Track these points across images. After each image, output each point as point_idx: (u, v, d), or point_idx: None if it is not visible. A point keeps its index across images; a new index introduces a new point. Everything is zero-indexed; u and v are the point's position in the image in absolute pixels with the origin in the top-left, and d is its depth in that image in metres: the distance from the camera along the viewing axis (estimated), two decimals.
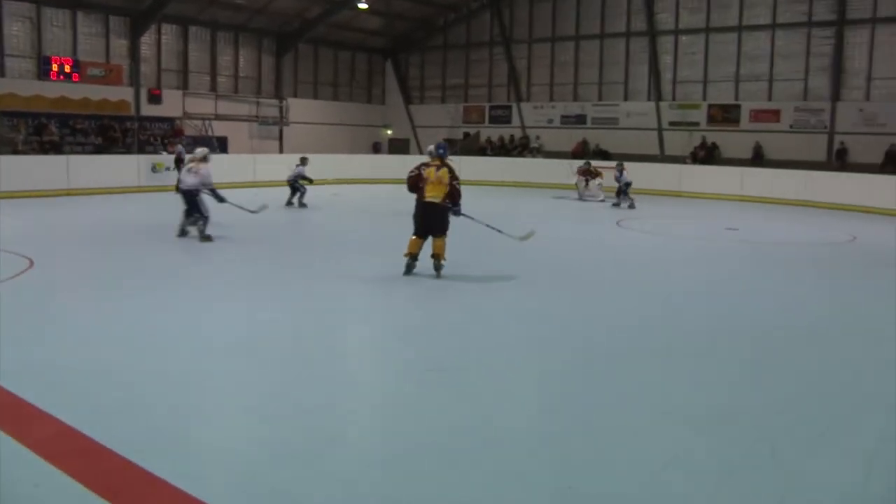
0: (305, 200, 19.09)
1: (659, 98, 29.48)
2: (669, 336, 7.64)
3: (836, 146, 25.88)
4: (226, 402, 5.49)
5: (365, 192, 21.05)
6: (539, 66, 32.69)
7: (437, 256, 9.97)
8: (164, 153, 24.95)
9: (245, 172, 24.99)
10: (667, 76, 29.52)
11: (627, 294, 9.81)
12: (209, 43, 30.17)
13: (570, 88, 31.93)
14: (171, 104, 28.44)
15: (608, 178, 22.61)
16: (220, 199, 13.45)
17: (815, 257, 13.80)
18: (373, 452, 4.71)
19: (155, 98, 27.95)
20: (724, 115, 28.21)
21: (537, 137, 32.07)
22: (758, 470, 4.42)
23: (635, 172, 23.59)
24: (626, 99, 30.51)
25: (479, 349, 7.01)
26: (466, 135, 34.33)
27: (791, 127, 26.80)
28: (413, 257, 10.03)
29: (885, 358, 6.97)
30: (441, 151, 10.46)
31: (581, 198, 23.40)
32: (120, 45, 27.21)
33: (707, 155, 27.66)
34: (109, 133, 25.99)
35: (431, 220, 9.93)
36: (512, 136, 32.97)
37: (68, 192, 20.33)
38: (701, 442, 4.87)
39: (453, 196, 10.00)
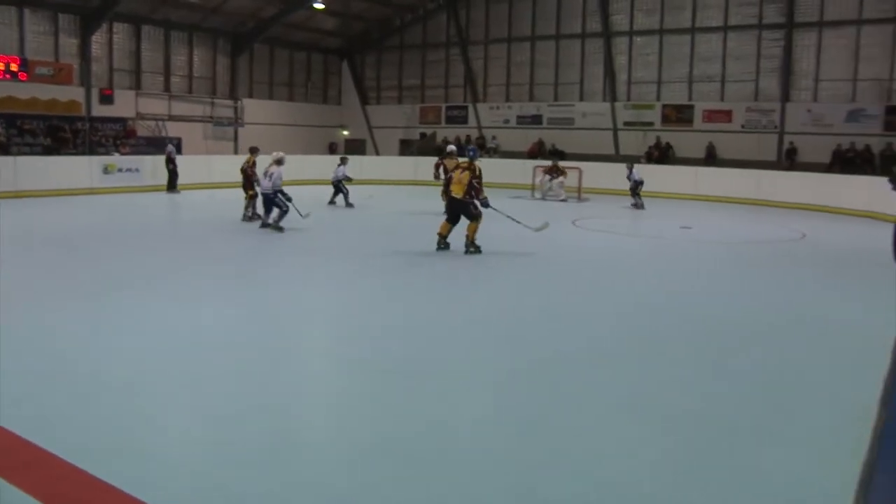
0: (351, 200, 19.55)
1: (614, 98, 29.77)
2: (625, 334, 7.70)
3: (785, 146, 26.39)
4: (177, 404, 5.40)
5: (326, 193, 20.83)
6: (495, 66, 32.81)
7: (467, 237, 12.05)
8: (117, 154, 24.57)
9: (200, 173, 24.67)
10: (622, 77, 29.83)
11: (582, 293, 9.87)
12: (162, 42, 29.75)
13: (527, 89, 32.10)
14: (124, 104, 28.03)
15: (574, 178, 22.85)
16: (287, 200, 14.29)
17: (767, 255, 14.02)
18: (329, 454, 4.67)
19: (107, 98, 27.50)
20: (678, 116, 28.60)
21: (493, 138, 32.19)
22: (714, 464, 4.47)
23: (591, 172, 23.84)
24: (581, 99, 30.75)
25: (437, 350, 6.99)
26: (423, 135, 34.32)
27: (743, 127, 27.26)
28: (442, 237, 12.29)
29: (834, 351, 7.12)
30: (472, 154, 12.75)
31: (543, 197, 23.49)
32: (70, 43, 26.72)
33: (661, 155, 28.01)
34: (59, 134, 25.50)
35: (455, 210, 12.23)
36: (468, 136, 33.01)
37: (17, 195, 19.87)
38: (658, 439, 4.91)
39: (471, 192, 11.92)
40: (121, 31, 28.38)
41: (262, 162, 15.60)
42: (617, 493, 4.09)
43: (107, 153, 24.88)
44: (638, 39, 29.39)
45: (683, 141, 27.98)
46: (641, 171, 21.42)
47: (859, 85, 25.36)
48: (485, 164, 21.63)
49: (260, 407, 5.28)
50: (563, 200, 22.65)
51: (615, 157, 28.70)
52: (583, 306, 9.00)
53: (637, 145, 28.76)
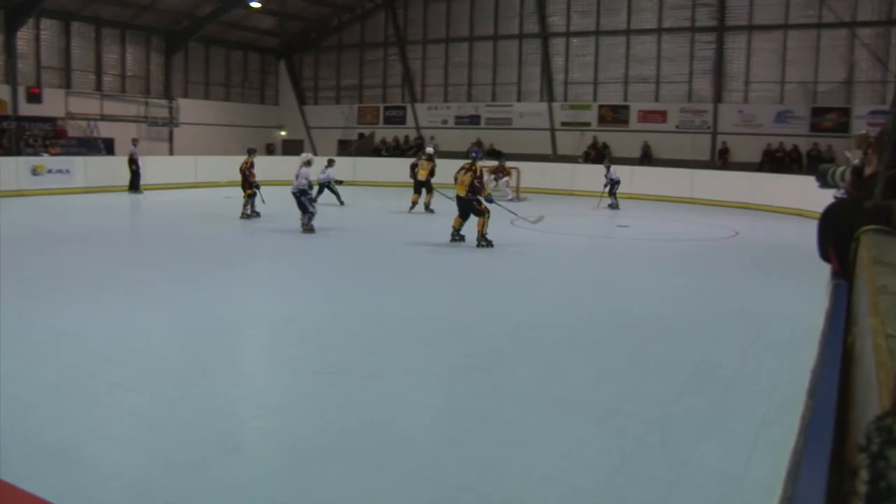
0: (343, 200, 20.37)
1: (551, 99, 30.05)
2: (563, 332, 7.76)
3: (718, 146, 26.99)
4: (112, 413, 5.25)
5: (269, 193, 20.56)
6: (433, 66, 32.84)
7: (478, 231, 13.31)
8: (46, 155, 23.87)
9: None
10: (558, 77, 30.13)
11: (521, 291, 9.93)
12: (93, 40, 29.01)
13: (465, 89, 32.20)
14: (53, 104, 27.23)
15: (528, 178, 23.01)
16: (312, 201, 14.85)
17: (701, 252, 14.30)
18: (267, 456, 4.60)
19: (34, 97, 26.70)
20: (614, 116, 29.01)
21: (432, 138, 32.20)
22: (648, 459, 4.53)
23: (528, 172, 24.00)
24: (519, 100, 30.97)
25: (377, 351, 6.95)
26: (361, 135, 34.17)
27: (677, 127, 27.78)
28: (455, 230, 13.79)
29: (765, 346, 7.29)
30: (474, 155, 14.04)
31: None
32: None
33: (598, 154, 28.37)
34: None
35: (463, 207, 13.53)
36: (407, 136, 33.00)
37: None
38: (595, 435, 4.95)
39: (474, 191, 13.25)
40: (49, 27, 27.57)
41: (261, 163, 15.49)
42: (555, 490, 4.11)
43: (35, 154, 24.16)
44: (574, 41, 29.72)
45: (619, 141, 28.40)
46: (618, 170, 21.81)
47: (787, 87, 26.10)
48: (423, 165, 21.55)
49: (197, 413, 5.18)
50: (510, 200, 22.81)
51: (553, 157, 28.99)
52: (515, 305, 9.04)
53: (574, 145, 29.09)
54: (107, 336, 7.11)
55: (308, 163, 14.93)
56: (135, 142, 24.63)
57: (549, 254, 13.40)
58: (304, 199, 14.60)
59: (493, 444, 4.73)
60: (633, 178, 25.25)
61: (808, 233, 3.61)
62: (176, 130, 31.25)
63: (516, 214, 14.82)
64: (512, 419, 5.18)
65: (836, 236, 2.95)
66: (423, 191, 19.06)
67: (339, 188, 20.27)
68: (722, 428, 5.08)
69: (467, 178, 13.34)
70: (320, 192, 19.86)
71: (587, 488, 4.15)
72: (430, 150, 18.28)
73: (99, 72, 29.24)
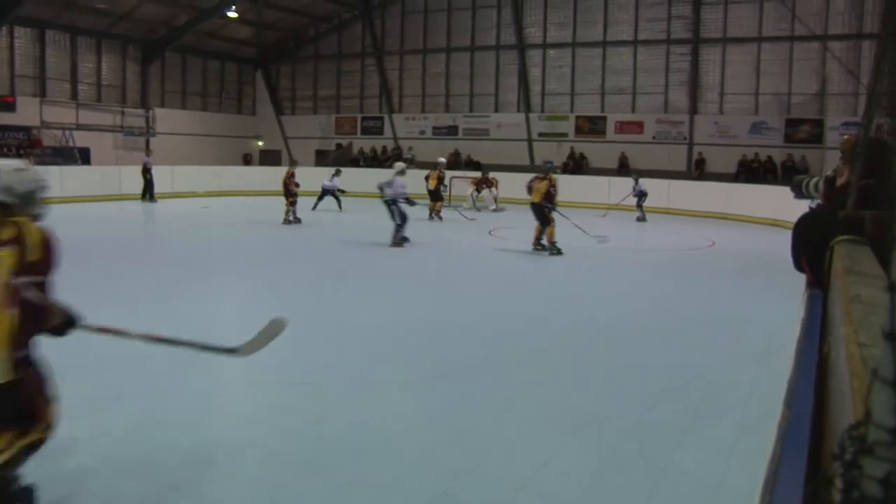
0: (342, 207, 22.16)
1: (528, 110, 30.16)
2: (541, 341, 7.77)
3: (694, 156, 27.20)
4: (76, 421, 5.18)
5: (235, 204, 20.58)
6: (411, 77, 32.88)
7: (548, 240, 13.98)
8: None
9: (110, 185, 24.03)
10: (535, 88, 30.26)
11: (499, 302, 9.94)
12: (68, 49, 28.76)
13: (442, 100, 32.26)
14: (27, 112, 26.93)
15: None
16: (411, 203, 15.24)
17: (678, 263, 14.38)
18: (241, 467, 4.56)
19: (8, 105, 26.43)
20: (591, 127, 29.16)
21: (410, 148, 32.20)
22: (627, 467, 4.53)
23: (506, 183, 24.04)
24: (496, 110, 31.07)
25: (352, 361, 6.92)
26: (339, 146, 34.11)
27: (653, 138, 27.97)
28: (537, 239, 14.23)
29: (743, 354, 7.33)
30: (549, 166, 15.07)
31: (470, 206, 23.65)
32: None
33: (575, 165, 28.49)
34: None
35: (535, 214, 14.08)
36: (384, 147, 32.99)
37: None
38: (572, 443, 4.95)
39: (549, 198, 13.94)
40: (23, 35, 27.30)
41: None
42: (533, 499, 4.10)
43: None
44: (551, 52, 29.88)
45: (596, 152, 28.55)
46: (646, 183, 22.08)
47: (761, 99, 26.38)
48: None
49: (164, 422, 5.13)
50: (494, 210, 22.95)
51: (530, 168, 29.08)
52: (491, 314, 9.04)
53: (552, 156, 29.19)
54: (74, 345, 7.01)
55: (402, 172, 15.32)
56: (148, 153, 25.32)
57: (528, 264, 13.43)
58: (393, 207, 14.75)
59: (471, 454, 4.71)
60: (609, 188, 25.39)
61: (784, 243, 3.65)
62: (152, 140, 30.99)
63: (584, 231, 15.18)
64: (489, 428, 5.17)
65: (809, 247, 2.98)
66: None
67: (341, 197, 22.19)
68: (700, 435, 5.10)
69: (543, 185, 14.08)
70: (321, 197, 21.68)
71: (565, 496, 4.15)
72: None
73: (74, 81, 28.98)
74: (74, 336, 7.07)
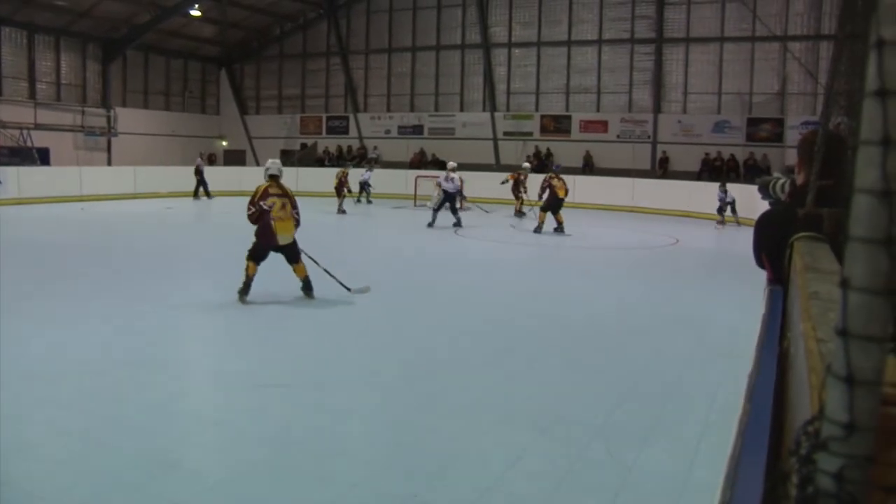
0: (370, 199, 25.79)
1: (494, 109, 30.23)
2: (506, 340, 7.79)
3: (658, 155, 27.44)
4: (51, 427, 5.10)
5: (201, 205, 20.38)
6: (376, 76, 32.80)
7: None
8: None
9: (70, 186, 23.67)
10: (501, 87, 30.34)
11: (465, 301, 9.95)
12: (25, 46, 28.22)
13: (407, 99, 32.22)
14: None
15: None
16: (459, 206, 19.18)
17: (643, 260, 14.50)
18: (208, 470, 4.51)
19: None
20: (556, 126, 29.30)
21: (375, 148, 32.13)
22: (594, 466, 4.56)
23: (473, 182, 24.07)
24: (461, 109, 31.10)
25: (318, 363, 6.89)
26: (304, 146, 33.93)
27: (618, 137, 28.17)
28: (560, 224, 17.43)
29: (707, 351, 7.40)
30: (555, 168, 19.32)
31: (435, 205, 23.72)
32: None
33: (540, 164, 28.58)
34: None
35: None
36: (350, 146, 32.88)
37: None
38: (540, 443, 4.97)
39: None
40: None
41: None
42: (501, 499, 4.11)
43: None
44: (516, 51, 29.98)
45: (561, 150, 28.66)
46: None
47: (723, 98, 26.70)
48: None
49: (134, 429, 5.07)
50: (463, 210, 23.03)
51: (496, 167, 29.16)
52: (455, 314, 9.05)
53: (517, 155, 29.29)
54: (37, 350, 6.91)
55: (454, 169, 18.80)
56: (201, 154, 27.13)
57: (493, 263, 13.46)
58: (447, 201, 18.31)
59: (437, 455, 4.71)
60: (574, 187, 25.51)
61: (747, 240, 3.70)
62: (114, 140, 30.57)
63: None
64: (455, 429, 5.17)
65: (769, 244, 3.01)
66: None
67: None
68: (665, 433, 5.15)
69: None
70: (363, 190, 25.16)
71: (534, 496, 4.16)
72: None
73: (32, 79, 28.45)
74: (47, 340, 6.97)
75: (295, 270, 9.35)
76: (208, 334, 8.21)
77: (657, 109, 27.53)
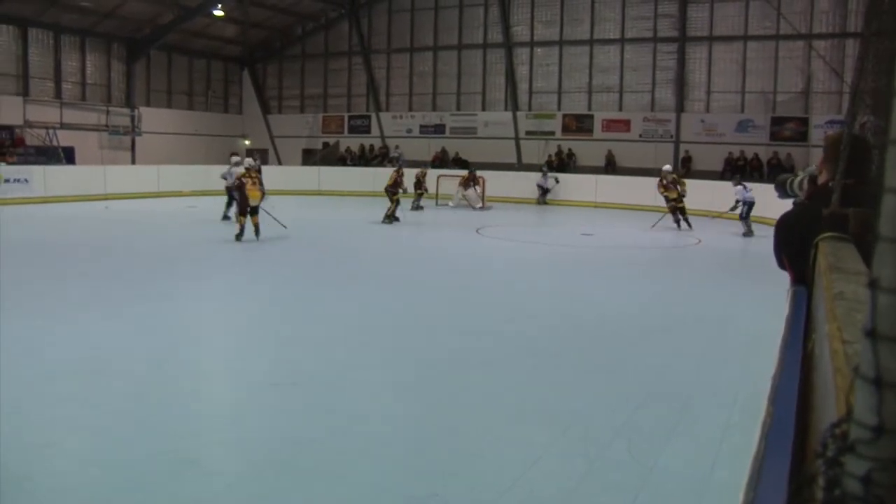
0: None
1: (515, 108, 30.16)
2: (528, 339, 7.77)
3: (681, 154, 27.27)
4: (70, 426, 5.15)
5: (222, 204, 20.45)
6: (398, 76, 32.83)
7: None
8: (3, 164, 23.42)
9: (95, 184, 23.88)
10: (523, 87, 30.27)
11: (486, 299, 9.94)
12: (52, 47, 28.49)
13: (429, 98, 32.23)
14: (10, 111, 26.64)
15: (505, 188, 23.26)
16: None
17: (665, 260, 14.44)
18: (226, 469, 4.54)
19: None
20: (578, 125, 29.19)
21: (396, 147, 32.17)
22: (614, 465, 4.54)
23: (493, 181, 24.03)
24: (483, 109, 31.07)
25: (335, 361, 6.91)
26: (326, 144, 34.04)
27: (640, 136, 28.02)
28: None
29: (729, 351, 7.36)
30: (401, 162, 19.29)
31: (457, 205, 23.87)
32: None
33: (560, 163, 28.53)
34: None
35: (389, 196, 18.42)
36: (371, 145, 32.94)
37: None
38: (560, 443, 4.95)
39: (395, 185, 18.53)
40: (5, 33, 27.02)
41: None
42: (522, 498, 4.10)
43: None
44: (538, 50, 29.90)
45: (583, 150, 28.58)
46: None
47: (747, 97, 26.49)
48: (387, 174, 21.71)
49: (153, 427, 5.10)
50: (480, 208, 23.02)
51: (518, 166, 29.13)
52: (476, 313, 9.04)
53: (539, 154, 29.23)
54: (58, 349, 6.97)
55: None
56: (254, 157, 26.04)
57: (515, 262, 13.44)
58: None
59: (458, 454, 4.71)
60: (597, 186, 25.47)
61: (770, 240, 3.67)
62: (138, 139, 30.80)
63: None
64: (475, 428, 5.17)
65: (791, 245, 2.98)
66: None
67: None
68: (687, 433, 5.11)
69: (394, 174, 18.71)
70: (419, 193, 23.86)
71: (554, 496, 4.15)
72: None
73: (58, 79, 28.73)
74: (67, 338, 7.03)
75: (252, 220, 14.75)
76: (225, 333, 8.26)
77: (680, 108, 27.35)
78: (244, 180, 14.74)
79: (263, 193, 14.94)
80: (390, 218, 18.66)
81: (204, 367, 6.98)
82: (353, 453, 4.66)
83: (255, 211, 14.85)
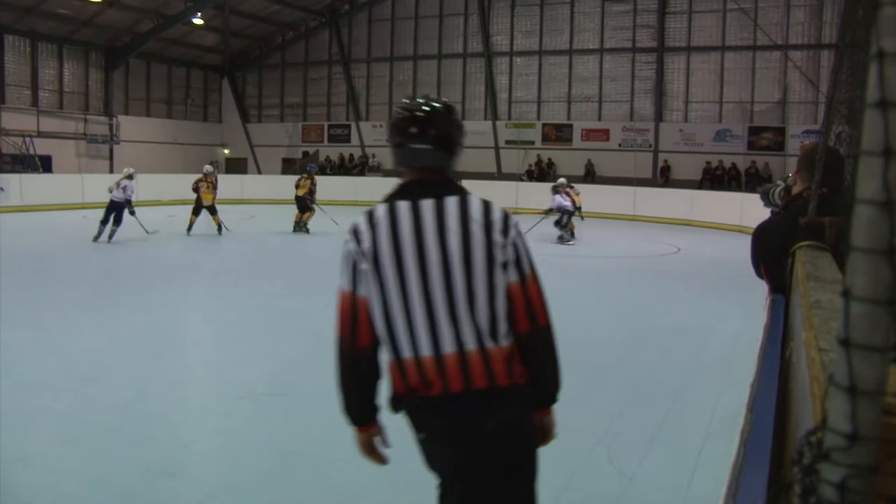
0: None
1: (495, 117, 30.27)
2: None
3: (660, 164, 27.47)
4: (51, 438, 5.10)
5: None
6: (378, 85, 32.86)
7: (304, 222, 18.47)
8: None
9: (73, 193, 23.67)
10: (503, 96, 30.39)
11: None
12: (29, 54, 28.31)
13: None
14: None
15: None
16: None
17: (645, 269, 14.50)
18: (212, 482, 4.50)
19: None
20: (558, 135, 29.33)
21: (373, 156, 32.13)
22: (595, 475, 4.54)
23: (473, 191, 24.02)
24: (463, 118, 30.39)
25: (319, 370, 6.87)
26: (306, 154, 33.96)
27: (620, 145, 28.20)
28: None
29: (708, 360, 7.40)
30: (311, 168, 19.18)
31: None
32: None
33: (540, 172, 28.62)
34: None
35: (298, 205, 18.38)
36: (351, 154, 32.91)
37: None
38: (541, 452, 4.94)
39: (310, 194, 18.48)
40: None
41: None
42: None
43: None
44: (518, 60, 30.04)
45: (563, 159, 28.71)
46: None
47: (725, 107, 26.75)
48: (367, 183, 21.71)
49: (136, 438, 5.06)
50: None
51: (497, 176, 29.18)
52: None
53: (518, 164, 29.32)
54: (38, 359, 6.91)
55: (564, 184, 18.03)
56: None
57: None
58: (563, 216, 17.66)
59: None
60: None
61: (748, 249, 3.71)
62: (116, 148, 30.61)
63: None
64: None
65: (767, 254, 3.02)
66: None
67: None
68: (667, 442, 5.13)
69: (306, 183, 18.36)
70: None
71: None
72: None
73: (35, 87, 28.53)
74: (46, 349, 6.98)
75: (213, 219, 17.46)
76: (207, 343, 8.20)
77: (659, 118, 27.56)
78: (200, 184, 17.56)
79: (215, 198, 17.75)
80: (300, 226, 18.57)
81: (186, 378, 6.92)
82: (335, 463, 4.64)
83: (213, 210, 17.57)
